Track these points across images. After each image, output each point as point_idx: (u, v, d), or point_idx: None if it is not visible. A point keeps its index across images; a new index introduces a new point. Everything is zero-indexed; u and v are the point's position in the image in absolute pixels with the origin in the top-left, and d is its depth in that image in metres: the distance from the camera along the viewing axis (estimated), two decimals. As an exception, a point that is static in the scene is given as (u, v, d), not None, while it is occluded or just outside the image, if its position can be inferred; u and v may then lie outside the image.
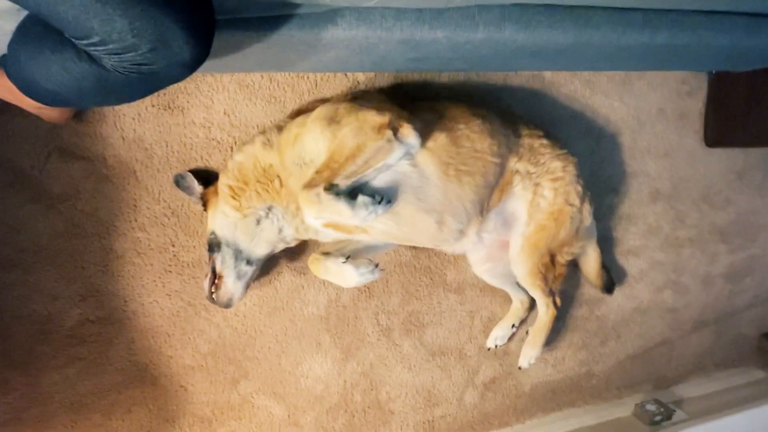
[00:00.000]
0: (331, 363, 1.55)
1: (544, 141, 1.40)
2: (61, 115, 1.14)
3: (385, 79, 1.43)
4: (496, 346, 1.67)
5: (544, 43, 1.12)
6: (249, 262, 1.26)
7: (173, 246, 1.35)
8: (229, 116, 1.33)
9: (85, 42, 0.72)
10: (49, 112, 1.11)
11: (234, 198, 1.22)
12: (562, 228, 1.39)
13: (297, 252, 1.45)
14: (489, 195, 1.33)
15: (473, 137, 1.26)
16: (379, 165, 1.12)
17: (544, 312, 1.53)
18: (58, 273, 1.27)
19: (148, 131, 1.28)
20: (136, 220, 1.32)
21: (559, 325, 1.79)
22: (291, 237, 1.28)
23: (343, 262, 1.19)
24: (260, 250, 1.26)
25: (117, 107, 1.25)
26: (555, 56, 1.23)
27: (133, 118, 1.27)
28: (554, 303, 1.52)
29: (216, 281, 1.26)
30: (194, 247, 1.37)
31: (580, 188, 1.42)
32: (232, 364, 1.46)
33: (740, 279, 2.06)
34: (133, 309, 1.35)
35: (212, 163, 1.34)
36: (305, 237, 1.28)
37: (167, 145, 1.30)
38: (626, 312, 1.88)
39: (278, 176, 1.21)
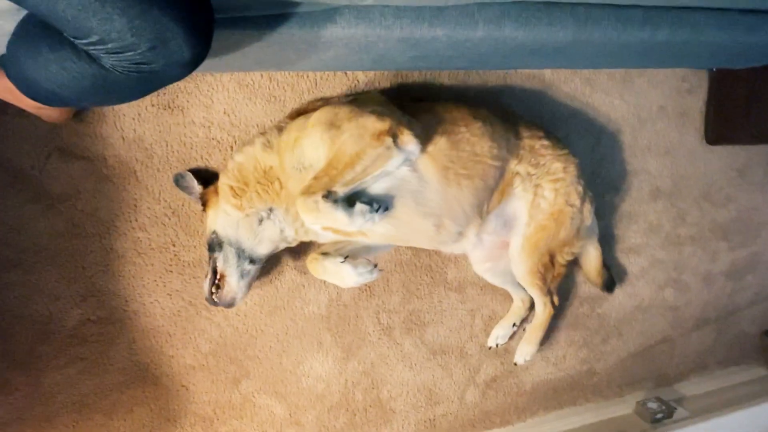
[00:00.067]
0: (332, 362, 1.55)
1: (545, 142, 1.40)
2: (60, 115, 1.14)
3: (385, 78, 1.43)
4: (497, 345, 1.67)
5: (544, 40, 1.11)
6: (252, 261, 1.25)
7: (174, 245, 1.35)
8: (228, 115, 1.33)
9: (84, 41, 0.72)
10: (48, 112, 1.11)
11: (235, 197, 1.22)
12: (562, 228, 1.39)
13: (298, 251, 1.44)
14: (488, 197, 1.33)
15: (473, 140, 1.26)
16: (377, 172, 1.12)
17: (542, 310, 1.54)
18: (58, 273, 1.27)
19: (148, 131, 1.28)
20: (136, 220, 1.32)
21: (560, 323, 1.79)
22: (292, 238, 1.28)
23: (342, 262, 1.19)
24: (263, 248, 1.26)
25: (117, 107, 1.25)
26: (555, 54, 1.23)
27: (133, 118, 1.27)
28: (552, 302, 1.53)
29: (218, 281, 1.25)
30: (195, 246, 1.37)
31: (580, 188, 1.42)
32: (234, 364, 1.46)
33: (741, 277, 2.05)
34: (134, 309, 1.35)
35: (212, 163, 1.34)
36: (305, 239, 1.28)
37: (167, 145, 1.30)
38: (627, 310, 1.88)
39: (278, 179, 1.21)
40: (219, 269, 1.24)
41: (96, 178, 1.27)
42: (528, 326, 1.62)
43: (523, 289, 1.56)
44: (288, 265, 1.46)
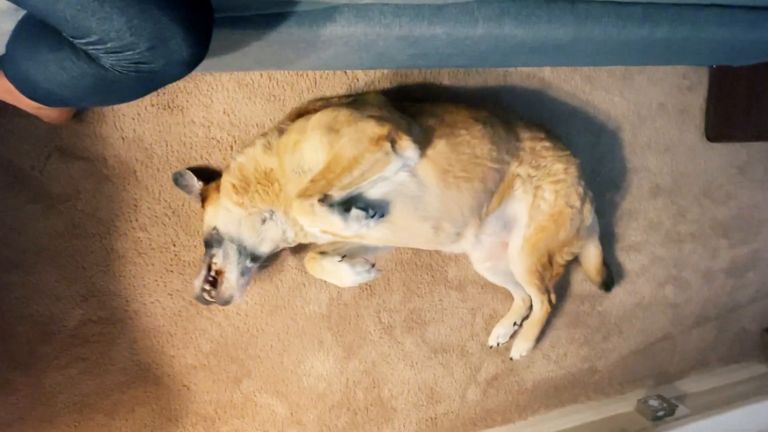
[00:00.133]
0: (333, 361, 1.55)
1: (547, 143, 1.40)
2: (60, 115, 1.14)
3: (384, 77, 1.43)
4: (498, 344, 1.68)
5: (544, 38, 1.11)
6: (254, 259, 1.25)
7: (174, 245, 1.35)
8: (228, 115, 1.33)
9: (83, 41, 0.72)
10: (48, 113, 1.11)
11: (238, 194, 1.21)
12: (562, 229, 1.40)
13: (299, 250, 1.44)
14: (488, 199, 1.33)
15: (474, 143, 1.26)
16: (375, 177, 1.12)
17: (539, 308, 1.55)
18: (59, 273, 1.27)
19: (148, 131, 1.28)
20: (136, 220, 1.32)
21: (561, 321, 1.79)
22: (292, 239, 1.28)
23: (339, 261, 1.19)
24: (265, 247, 1.26)
25: (116, 107, 1.25)
26: (555, 51, 1.22)
27: (133, 118, 1.27)
28: (549, 300, 1.54)
29: (216, 277, 1.23)
30: (195, 246, 1.37)
31: (581, 189, 1.42)
32: (235, 363, 1.46)
33: (742, 274, 2.05)
34: (134, 309, 1.35)
35: (212, 162, 1.34)
36: (305, 241, 1.28)
37: (167, 145, 1.30)
38: (628, 308, 1.88)
39: (278, 181, 1.21)
40: (217, 266, 1.23)
41: (96, 179, 1.27)
42: (525, 323, 1.63)
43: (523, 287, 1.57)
44: (289, 264, 1.45)
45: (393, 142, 1.12)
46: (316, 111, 1.26)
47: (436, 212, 1.24)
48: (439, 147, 1.21)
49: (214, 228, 1.24)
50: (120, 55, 0.73)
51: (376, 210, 1.12)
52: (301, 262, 1.45)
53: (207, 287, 1.22)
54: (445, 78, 1.49)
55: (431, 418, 1.69)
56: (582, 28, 1.11)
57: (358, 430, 1.62)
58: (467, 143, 1.25)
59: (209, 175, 1.32)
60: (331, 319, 1.53)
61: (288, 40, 1.00)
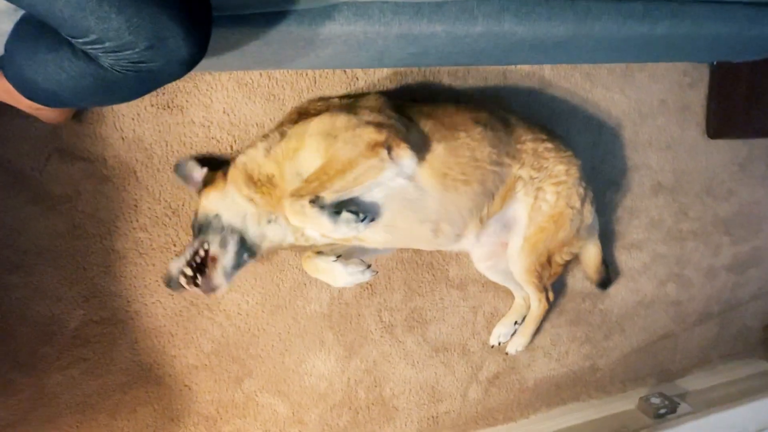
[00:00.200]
0: (335, 360, 1.55)
1: (549, 145, 1.39)
2: (59, 116, 1.14)
3: (384, 75, 1.42)
4: (499, 344, 1.68)
5: (544, 35, 1.11)
6: (252, 254, 1.22)
7: (175, 245, 1.35)
8: (228, 115, 1.33)
9: (81, 40, 0.72)
10: (47, 113, 1.11)
11: (248, 188, 1.19)
12: (562, 230, 1.41)
13: (299, 250, 1.44)
14: (489, 201, 1.33)
15: (473, 146, 1.25)
16: (368, 183, 1.12)
17: (536, 306, 1.57)
18: (60, 274, 1.27)
19: (148, 131, 1.28)
20: (137, 221, 1.32)
21: (562, 319, 1.78)
22: (291, 243, 1.26)
23: (333, 261, 1.19)
24: (265, 245, 1.24)
25: (116, 107, 1.25)
26: (555, 48, 1.22)
27: (132, 118, 1.27)
28: (547, 298, 1.55)
29: (203, 264, 1.15)
30: (196, 246, 1.36)
31: (582, 190, 1.42)
32: (236, 363, 1.46)
33: (744, 271, 2.05)
34: (136, 309, 1.35)
35: (212, 162, 1.34)
36: (306, 244, 1.26)
37: (167, 145, 1.30)
38: (630, 305, 1.88)
39: (279, 186, 1.20)
40: (211, 252, 1.17)
41: (96, 179, 1.27)
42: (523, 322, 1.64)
43: (524, 286, 1.58)
44: (289, 263, 1.45)
45: (390, 149, 1.11)
46: (316, 111, 1.25)
47: (435, 215, 1.24)
48: (438, 151, 1.21)
49: (216, 215, 1.20)
50: (119, 54, 0.73)
51: (366, 213, 1.11)
52: (301, 259, 1.45)
53: (189, 272, 1.14)
54: (445, 76, 1.49)
55: (433, 417, 1.69)
56: (582, 24, 1.10)
57: (360, 429, 1.61)
58: (466, 146, 1.25)
59: (213, 166, 1.28)
60: (332, 318, 1.53)
61: (287, 38, 1.00)
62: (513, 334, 1.68)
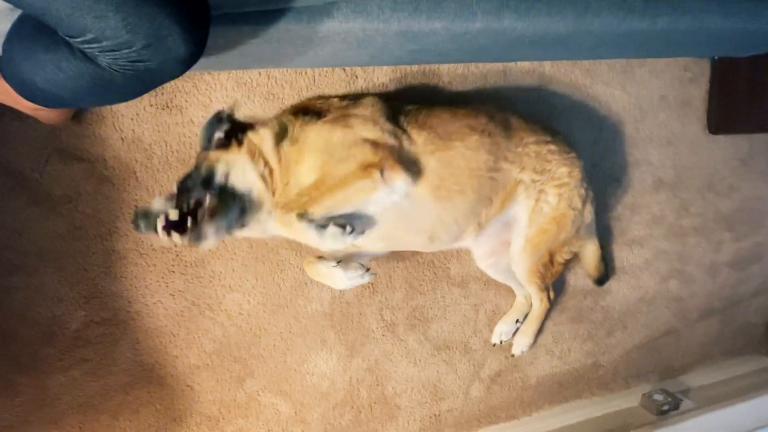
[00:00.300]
0: (337, 359, 1.55)
1: (552, 147, 1.39)
2: (58, 116, 1.14)
3: (383, 73, 1.42)
4: (501, 342, 1.68)
5: (544, 31, 1.10)
6: (244, 225, 1.18)
7: (175, 246, 1.35)
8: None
9: (79, 40, 0.72)
10: (46, 114, 1.11)
11: (258, 166, 1.16)
12: (563, 231, 1.41)
13: (300, 249, 1.44)
14: (486, 206, 1.33)
15: (468, 155, 1.25)
16: (358, 202, 1.13)
17: (538, 305, 1.58)
18: (61, 275, 1.27)
19: (147, 131, 1.28)
20: (137, 221, 1.31)
21: (564, 316, 1.78)
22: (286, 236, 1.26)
23: (334, 267, 1.22)
24: (259, 228, 1.20)
25: (115, 108, 1.25)
26: (555, 45, 1.21)
27: (132, 119, 1.26)
28: (548, 297, 1.56)
29: (195, 212, 1.07)
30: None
31: (583, 191, 1.43)
32: (238, 363, 1.46)
33: (746, 267, 2.04)
34: (137, 309, 1.35)
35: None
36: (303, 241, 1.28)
37: (167, 145, 1.30)
38: (632, 302, 1.87)
39: (279, 183, 1.20)
40: (210, 206, 1.08)
41: (96, 180, 1.27)
42: (524, 320, 1.64)
43: (525, 284, 1.58)
44: (290, 263, 1.45)
45: (383, 171, 1.13)
46: (316, 107, 1.25)
47: (430, 224, 1.27)
48: (431, 164, 1.22)
49: (227, 174, 1.14)
50: (116, 53, 0.72)
51: (353, 227, 1.12)
52: (302, 262, 1.45)
53: (174, 215, 1.05)
54: (445, 74, 1.48)
55: (435, 415, 1.69)
56: (582, 20, 1.09)
57: (362, 427, 1.61)
58: (461, 156, 1.25)
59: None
60: (333, 317, 1.52)
61: (286, 36, 1.00)
62: (515, 333, 1.68)
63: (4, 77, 0.91)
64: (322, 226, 1.09)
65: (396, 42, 1.07)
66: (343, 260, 1.24)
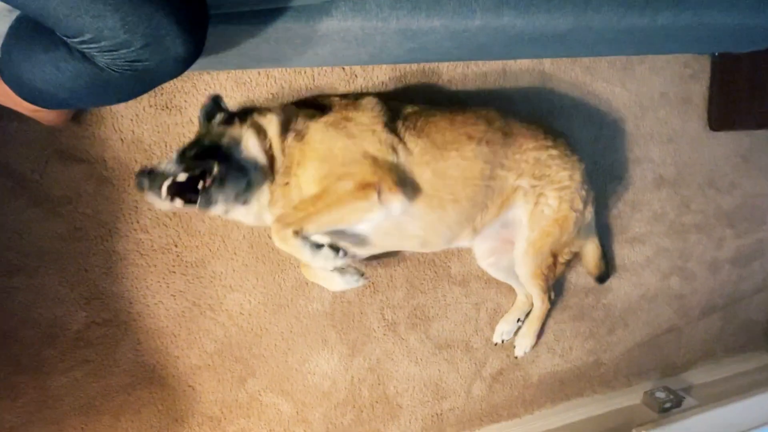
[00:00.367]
0: (338, 359, 1.54)
1: (553, 152, 1.38)
2: (58, 117, 1.14)
3: (383, 72, 1.42)
4: (502, 341, 1.68)
5: (543, 28, 1.10)
6: (246, 202, 1.16)
7: (176, 246, 1.35)
8: (227, 114, 1.32)
9: (77, 40, 0.72)
10: (45, 115, 1.10)
11: (262, 141, 1.16)
12: (566, 233, 1.41)
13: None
14: (481, 212, 1.34)
15: (463, 165, 1.25)
16: (354, 221, 1.16)
17: (539, 306, 1.58)
18: (62, 276, 1.27)
19: (147, 132, 1.28)
20: (138, 222, 1.31)
21: (566, 314, 1.78)
22: None
23: (331, 270, 1.23)
24: (255, 214, 1.20)
25: (114, 108, 1.24)
26: (554, 42, 1.21)
27: (131, 119, 1.26)
28: (549, 298, 1.57)
29: (204, 176, 1.05)
30: (197, 246, 1.36)
31: (584, 193, 1.42)
32: (239, 363, 1.46)
33: (748, 263, 2.04)
34: (138, 310, 1.35)
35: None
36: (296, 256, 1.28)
37: (166, 145, 1.30)
38: (633, 300, 1.87)
39: (279, 175, 1.20)
40: (217, 174, 1.05)
41: (96, 181, 1.27)
42: (526, 319, 1.65)
43: (526, 284, 1.58)
44: (291, 263, 1.45)
45: (380, 192, 1.14)
46: (317, 102, 1.25)
47: (421, 232, 1.28)
48: (427, 175, 1.22)
49: (231, 147, 1.12)
50: (114, 53, 0.72)
51: (346, 252, 1.15)
52: (300, 263, 1.45)
53: (183, 177, 1.02)
54: (444, 72, 1.48)
55: (437, 414, 1.69)
56: (582, 17, 1.09)
57: (364, 427, 1.61)
58: (456, 165, 1.25)
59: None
60: (334, 317, 1.52)
61: (284, 36, 0.99)
62: (516, 331, 1.68)
63: (3, 78, 0.91)
64: (317, 246, 1.11)
65: (395, 40, 1.07)
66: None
